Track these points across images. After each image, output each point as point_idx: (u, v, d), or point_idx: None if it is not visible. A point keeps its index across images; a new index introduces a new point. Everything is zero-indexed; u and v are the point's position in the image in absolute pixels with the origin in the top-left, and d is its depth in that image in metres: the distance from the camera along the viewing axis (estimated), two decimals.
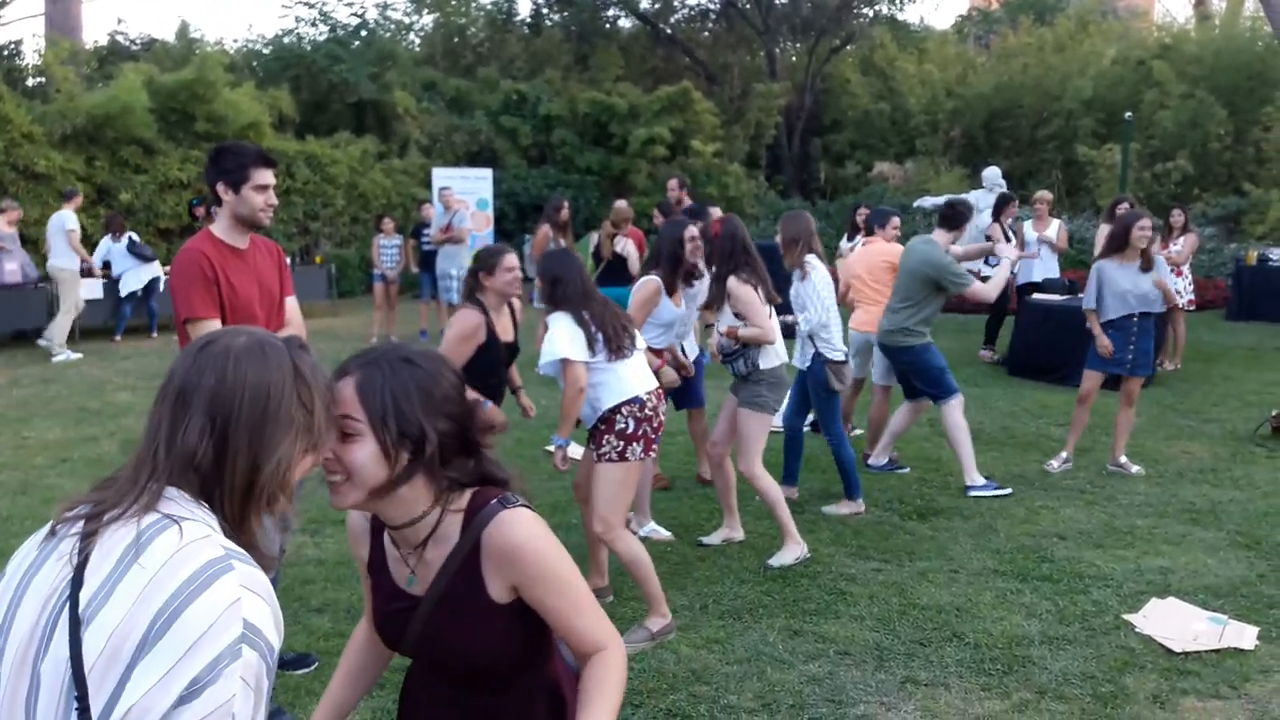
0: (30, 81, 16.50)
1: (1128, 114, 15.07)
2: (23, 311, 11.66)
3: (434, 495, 1.56)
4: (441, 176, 16.01)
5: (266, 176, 3.36)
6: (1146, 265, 6.11)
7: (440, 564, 1.59)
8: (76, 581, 1.18)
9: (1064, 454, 6.40)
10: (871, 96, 23.28)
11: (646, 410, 4.00)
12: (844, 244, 10.15)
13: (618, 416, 3.96)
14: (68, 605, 1.17)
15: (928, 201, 14.08)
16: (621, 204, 9.25)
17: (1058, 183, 19.52)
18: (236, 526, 1.27)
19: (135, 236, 12.74)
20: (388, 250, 12.22)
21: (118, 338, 12.31)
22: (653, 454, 4.14)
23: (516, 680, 1.65)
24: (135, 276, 12.29)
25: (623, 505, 3.99)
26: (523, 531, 1.55)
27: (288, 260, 3.67)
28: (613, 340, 3.98)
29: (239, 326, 1.37)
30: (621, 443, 3.94)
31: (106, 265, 12.54)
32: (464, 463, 1.58)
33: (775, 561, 4.76)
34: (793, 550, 4.79)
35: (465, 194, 15.06)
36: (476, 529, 1.56)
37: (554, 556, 1.57)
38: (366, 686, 1.84)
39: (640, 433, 3.98)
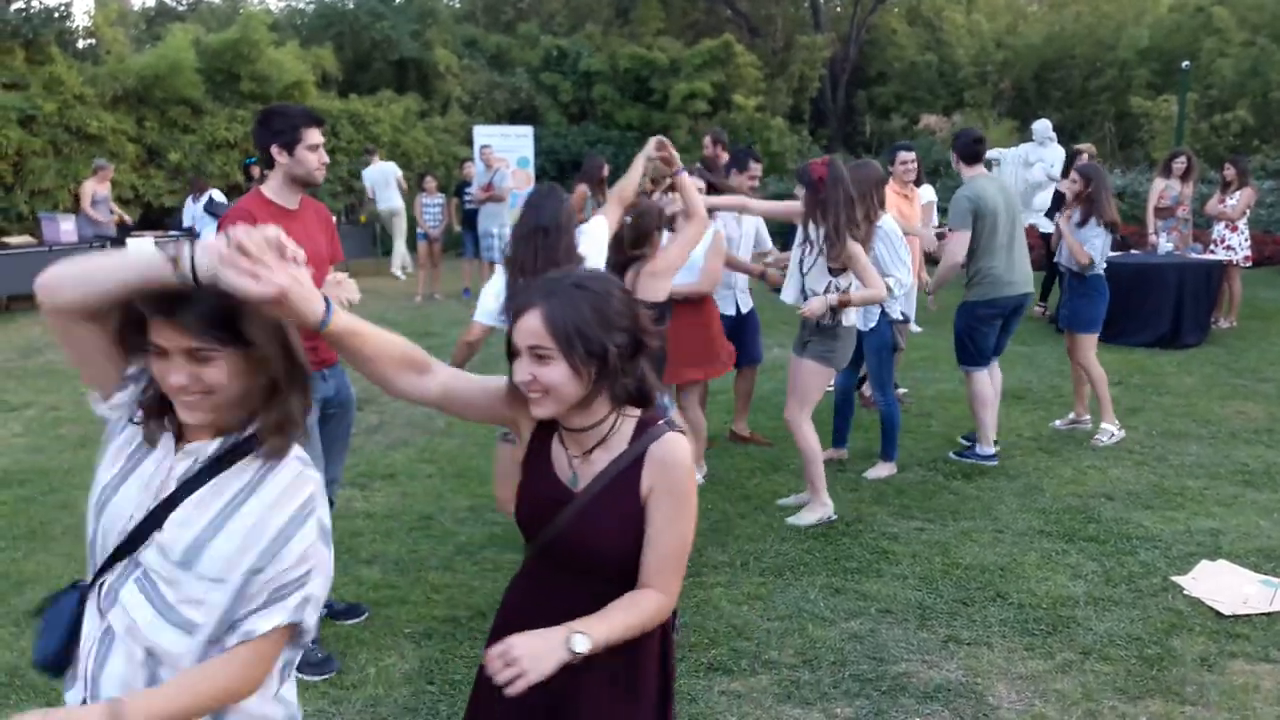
0: (81, 44, 16.69)
1: (1185, 63, 14.63)
2: None
3: (611, 403, 1.78)
4: (482, 134, 16.01)
5: (317, 136, 3.40)
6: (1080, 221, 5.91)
7: (604, 466, 1.78)
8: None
9: (1110, 425, 6.00)
10: (918, 47, 22.81)
11: None
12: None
13: None
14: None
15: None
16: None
17: (1110, 135, 19.04)
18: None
19: (216, 194, 12.81)
20: (431, 209, 12.27)
21: None
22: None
23: (626, 575, 1.80)
24: (209, 234, 12.47)
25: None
26: (684, 453, 1.78)
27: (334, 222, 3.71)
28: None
29: None
30: None
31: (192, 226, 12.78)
32: (634, 367, 1.78)
33: (796, 520, 4.73)
34: (817, 511, 4.74)
35: (506, 152, 15.04)
36: (646, 441, 1.77)
37: (692, 489, 1.79)
38: (380, 357, 1.69)
39: None
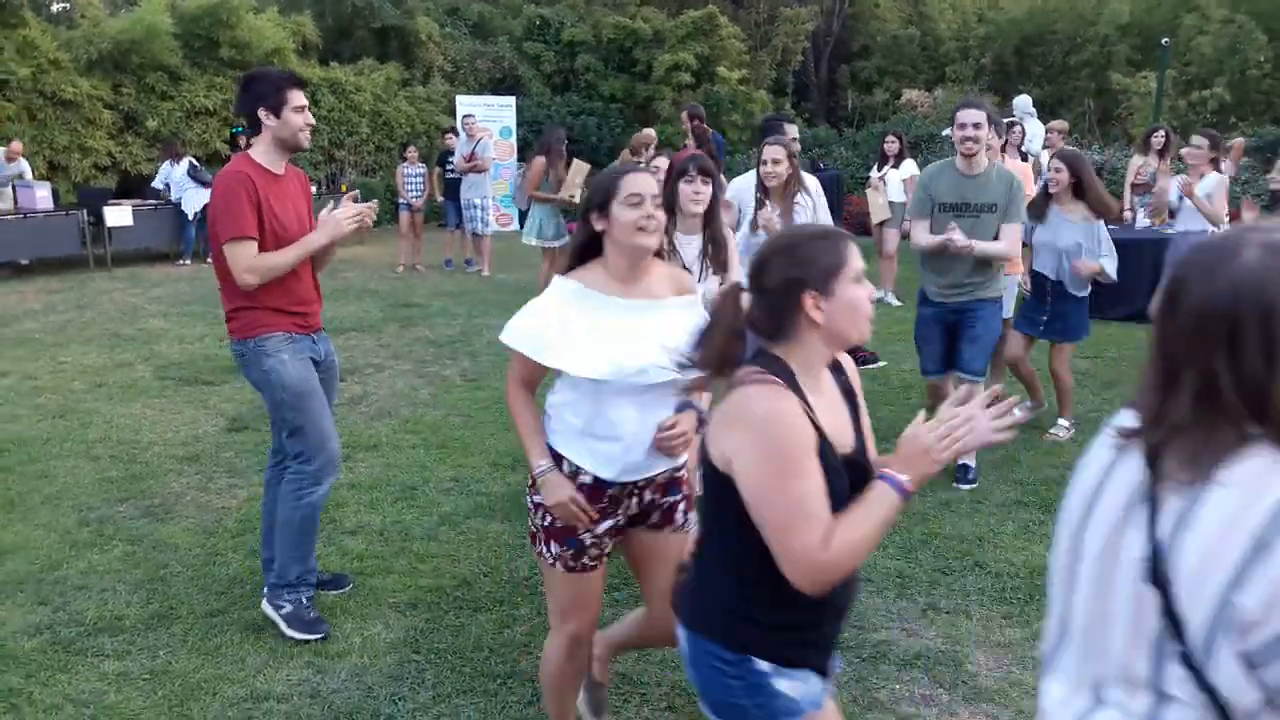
0: (55, 7, 16.39)
1: (1164, 39, 14.68)
2: (55, 238, 11.78)
3: None
4: (465, 104, 15.90)
5: (301, 98, 3.40)
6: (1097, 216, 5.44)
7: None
8: (1150, 495, 1.21)
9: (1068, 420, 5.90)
10: (901, 21, 22.81)
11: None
12: (874, 174, 10.05)
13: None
14: (1144, 514, 1.21)
15: None
16: (648, 133, 9.14)
17: (1089, 111, 19.12)
18: None
19: (195, 161, 12.83)
20: (412, 179, 12.20)
21: (185, 261, 12.53)
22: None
23: None
24: (196, 198, 12.34)
25: None
26: None
27: (313, 189, 3.70)
28: None
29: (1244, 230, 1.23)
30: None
31: (166, 188, 12.78)
32: None
33: None
34: None
35: (488, 122, 14.94)
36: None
37: None
38: None
39: None
